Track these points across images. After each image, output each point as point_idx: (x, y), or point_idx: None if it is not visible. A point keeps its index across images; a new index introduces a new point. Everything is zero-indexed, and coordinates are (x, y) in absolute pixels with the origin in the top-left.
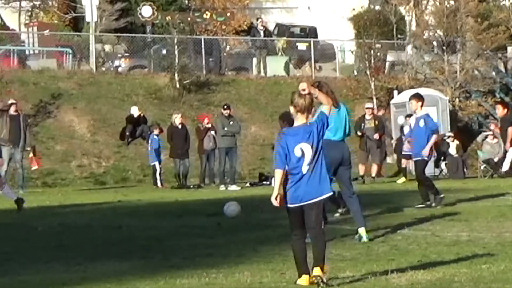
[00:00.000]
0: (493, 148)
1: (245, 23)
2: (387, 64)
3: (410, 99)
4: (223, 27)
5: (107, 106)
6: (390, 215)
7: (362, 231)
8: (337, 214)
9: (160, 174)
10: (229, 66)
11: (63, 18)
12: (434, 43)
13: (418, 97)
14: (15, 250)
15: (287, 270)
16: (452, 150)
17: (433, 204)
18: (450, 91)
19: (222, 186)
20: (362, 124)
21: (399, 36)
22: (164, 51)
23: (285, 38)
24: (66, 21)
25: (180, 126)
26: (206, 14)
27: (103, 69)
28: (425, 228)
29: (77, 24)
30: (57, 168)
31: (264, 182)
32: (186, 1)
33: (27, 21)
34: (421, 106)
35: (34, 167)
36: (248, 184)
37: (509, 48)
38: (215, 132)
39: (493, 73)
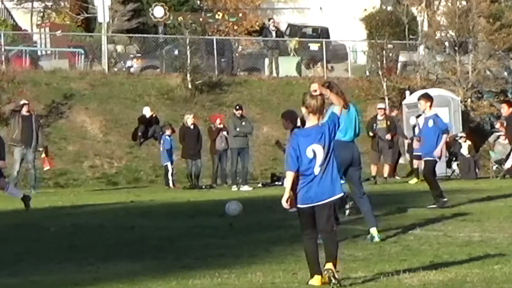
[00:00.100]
0: (505, 149)
1: (257, 23)
2: (399, 64)
3: (419, 99)
4: (235, 27)
5: (119, 107)
6: (402, 215)
7: (373, 231)
8: (347, 212)
9: (172, 174)
10: (241, 67)
11: (75, 19)
12: (446, 43)
13: (427, 97)
14: (27, 250)
15: (299, 270)
16: (464, 150)
17: (435, 206)
18: (462, 91)
19: (234, 186)
20: (374, 125)
21: (411, 36)
22: (176, 52)
23: (297, 38)
24: (78, 21)
25: (192, 127)
26: (218, 15)
27: (115, 69)
28: (437, 228)
29: (89, 24)
30: (69, 169)
31: (276, 183)
32: (198, 2)
33: (39, 22)
34: (430, 106)
35: (46, 167)
36: (260, 185)
37: None
38: (227, 133)
39: (505, 74)
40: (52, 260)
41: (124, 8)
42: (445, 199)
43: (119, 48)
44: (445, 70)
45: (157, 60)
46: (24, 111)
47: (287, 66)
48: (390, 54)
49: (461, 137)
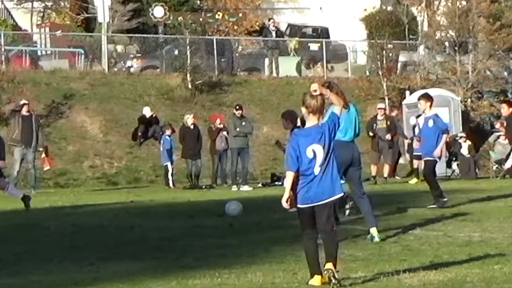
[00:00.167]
0: (505, 149)
1: (257, 23)
2: (399, 64)
3: (419, 99)
4: (235, 27)
5: (119, 107)
6: (402, 215)
7: (373, 231)
8: (347, 211)
9: (172, 174)
10: (241, 67)
11: (75, 19)
12: (446, 43)
13: (427, 97)
14: (27, 250)
15: (299, 270)
16: (464, 150)
17: (435, 206)
18: (462, 91)
19: (234, 186)
20: (374, 125)
21: (411, 36)
22: (176, 52)
23: (297, 38)
24: (78, 21)
25: (192, 127)
26: (218, 15)
27: (115, 69)
28: (437, 228)
29: (89, 24)
30: (69, 169)
31: (276, 183)
32: (198, 2)
33: (39, 22)
34: (430, 106)
35: (46, 167)
36: (260, 185)
37: None
38: (227, 133)
39: (505, 74)
40: (52, 260)
41: (124, 8)
42: (445, 199)
43: (119, 48)
44: (445, 70)
45: (157, 60)
46: (24, 111)
47: (287, 66)
48: (390, 54)
49: (461, 137)
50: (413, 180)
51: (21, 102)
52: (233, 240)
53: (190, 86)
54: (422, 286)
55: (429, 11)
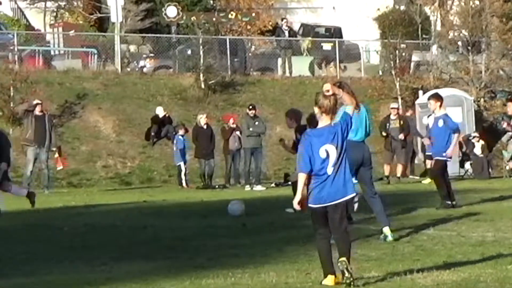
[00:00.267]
0: None
1: (270, 23)
2: (412, 64)
3: (429, 99)
4: (248, 27)
5: (132, 107)
6: (415, 215)
7: (386, 230)
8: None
9: (185, 174)
10: (254, 66)
11: (88, 19)
12: (459, 43)
13: (437, 97)
14: (40, 250)
15: (313, 270)
16: (477, 150)
17: (437, 206)
18: (475, 91)
19: (247, 186)
20: (387, 124)
21: (424, 36)
22: (189, 52)
23: (310, 38)
24: (91, 21)
25: (205, 127)
26: (231, 14)
27: (128, 69)
28: (450, 228)
29: (102, 24)
30: (82, 169)
31: (289, 182)
32: (211, 2)
33: (52, 22)
34: (440, 106)
35: (60, 167)
36: (273, 185)
37: None
38: (240, 132)
39: None
40: (65, 259)
41: (137, 8)
42: (449, 202)
43: (132, 48)
44: (458, 69)
45: (170, 60)
46: (37, 111)
47: (300, 66)
48: (403, 54)
49: (474, 136)
50: (427, 180)
51: (34, 102)
52: (246, 240)
53: (203, 86)
54: (436, 286)
55: (442, 11)
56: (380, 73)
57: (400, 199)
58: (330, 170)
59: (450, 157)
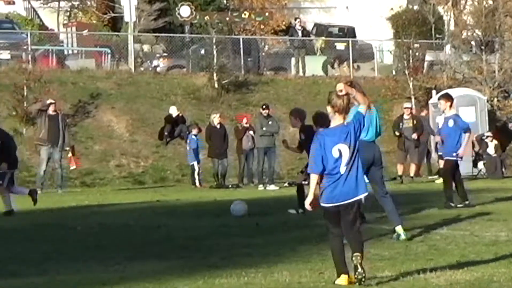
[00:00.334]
0: None
1: (284, 23)
2: (425, 63)
3: (439, 99)
4: (262, 26)
5: (145, 106)
6: (428, 214)
7: (399, 229)
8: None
9: (198, 173)
10: (267, 66)
11: (102, 18)
12: (473, 42)
13: (447, 97)
14: (54, 249)
15: (326, 269)
16: (491, 150)
17: (462, 205)
18: (488, 90)
19: (261, 186)
20: (400, 124)
21: (437, 35)
22: (202, 51)
23: (323, 38)
24: (105, 21)
25: (218, 126)
26: (245, 14)
27: (142, 69)
28: (464, 227)
29: (116, 24)
30: (96, 168)
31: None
32: (225, 1)
33: (65, 21)
34: (450, 106)
35: (73, 167)
36: (286, 184)
37: None
38: (254, 132)
39: None
40: (79, 259)
41: (151, 8)
42: (452, 204)
43: (146, 47)
44: (472, 69)
45: (184, 60)
46: (50, 111)
47: (314, 66)
48: (417, 54)
49: (487, 136)
50: (440, 180)
51: (48, 102)
52: (259, 239)
53: (216, 85)
54: (449, 286)
55: (455, 10)
56: (394, 72)
57: (413, 198)
58: (343, 169)
59: (462, 157)
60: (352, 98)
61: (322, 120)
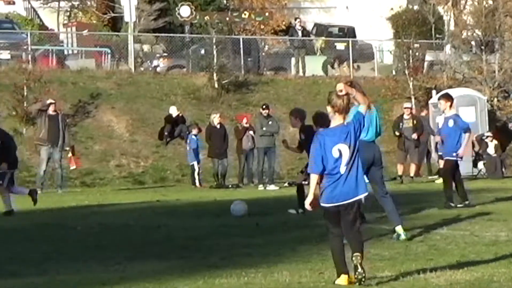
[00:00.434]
0: None
1: (284, 23)
2: (425, 63)
3: (439, 99)
4: (262, 27)
5: (145, 106)
6: (428, 214)
7: (399, 229)
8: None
9: (198, 173)
10: (267, 66)
11: (102, 18)
12: (473, 42)
13: (447, 97)
14: (54, 249)
15: (326, 269)
16: (491, 150)
17: (463, 205)
18: (488, 90)
19: (261, 186)
20: (400, 124)
21: (437, 35)
22: (202, 51)
23: (323, 38)
24: (105, 21)
25: (218, 126)
26: (245, 14)
27: (142, 69)
28: (464, 228)
29: (116, 24)
30: (96, 168)
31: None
32: (225, 1)
33: (65, 21)
34: (450, 106)
35: (73, 167)
36: (286, 184)
37: None
38: (254, 132)
39: None
40: (79, 259)
41: (151, 8)
42: (452, 204)
43: (146, 47)
44: (472, 69)
45: (184, 60)
46: (50, 111)
47: (314, 66)
48: (417, 54)
49: (487, 136)
50: (440, 180)
51: (48, 102)
52: (259, 239)
53: (216, 85)
54: (449, 286)
55: (455, 10)
56: (394, 72)
57: (413, 198)
58: (343, 169)
59: (462, 157)
60: (352, 98)
61: (322, 120)
